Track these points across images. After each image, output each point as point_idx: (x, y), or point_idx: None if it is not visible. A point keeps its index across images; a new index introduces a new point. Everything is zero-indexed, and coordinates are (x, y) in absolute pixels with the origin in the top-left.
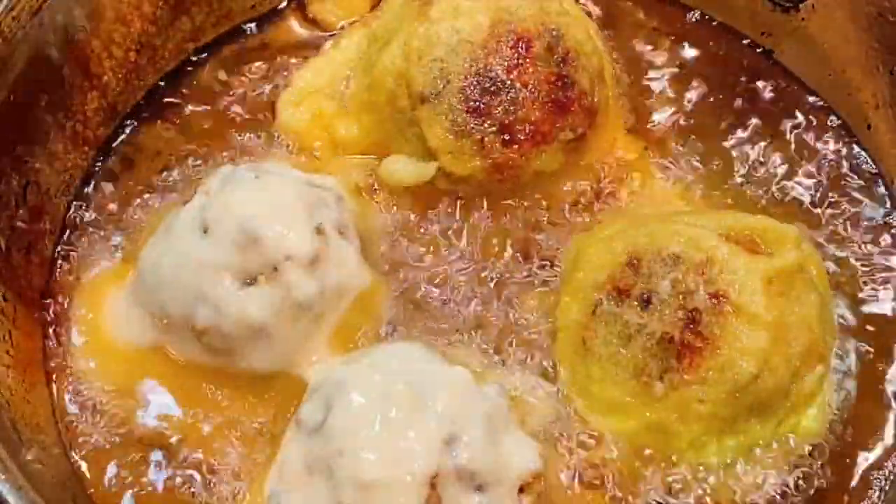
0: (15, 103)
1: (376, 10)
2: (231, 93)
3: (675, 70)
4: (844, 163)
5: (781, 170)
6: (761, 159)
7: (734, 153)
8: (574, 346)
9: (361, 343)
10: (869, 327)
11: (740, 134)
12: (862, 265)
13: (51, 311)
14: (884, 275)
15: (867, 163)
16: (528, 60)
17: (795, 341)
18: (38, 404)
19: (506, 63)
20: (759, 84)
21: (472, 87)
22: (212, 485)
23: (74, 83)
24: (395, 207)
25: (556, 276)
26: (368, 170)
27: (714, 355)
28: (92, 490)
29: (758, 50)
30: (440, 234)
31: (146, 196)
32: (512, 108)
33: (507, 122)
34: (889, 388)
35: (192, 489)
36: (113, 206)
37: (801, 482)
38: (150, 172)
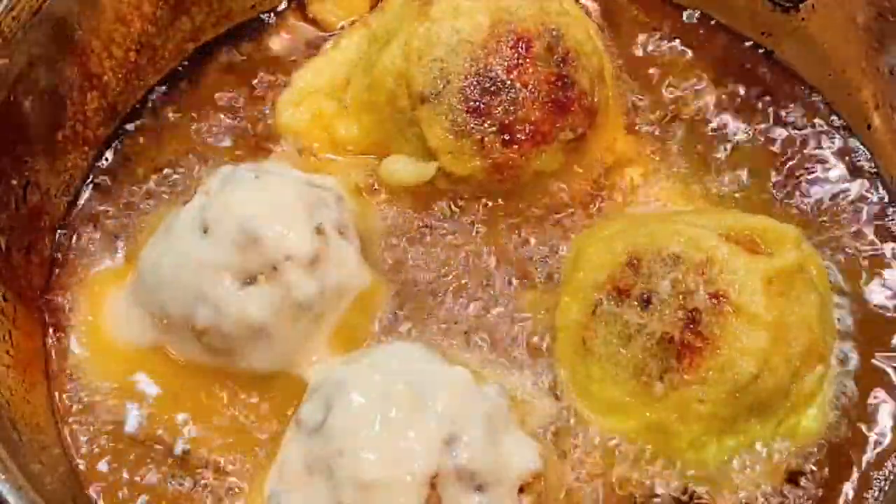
0: (15, 103)
1: (376, 10)
2: (231, 93)
3: (675, 70)
4: (844, 162)
5: (781, 170)
6: (761, 159)
7: (734, 153)
8: (574, 346)
9: (361, 343)
10: (869, 327)
11: (740, 134)
12: (862, 265)
13: (51, 312)
14: (884, 275)
15: (867, 162)
16: (528, 60)
17: (795, 341)
18: (38, 404)
19: (506, 63)
20: (759, 84)
21: (472, 87)
22: (212, 485)
23: (74, 83)
24: (395, 207)
25: (556, 276)
26: (368, 170)
27: (714, 355)
28: (92, 490)
29: (758, 50)
30: (440, 234)
31: (146, 196)
32: (512, 108)
33: (507, 122)
34: (889, 388)
35: (192, 489)
36: (113, 207)
37: (800, 482)
38: (150, 172)
